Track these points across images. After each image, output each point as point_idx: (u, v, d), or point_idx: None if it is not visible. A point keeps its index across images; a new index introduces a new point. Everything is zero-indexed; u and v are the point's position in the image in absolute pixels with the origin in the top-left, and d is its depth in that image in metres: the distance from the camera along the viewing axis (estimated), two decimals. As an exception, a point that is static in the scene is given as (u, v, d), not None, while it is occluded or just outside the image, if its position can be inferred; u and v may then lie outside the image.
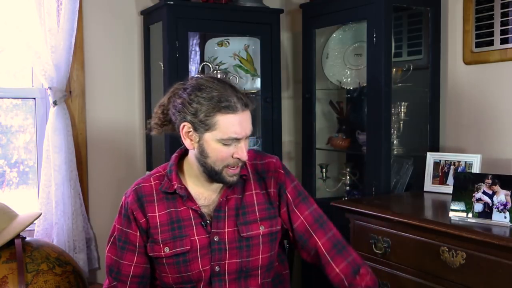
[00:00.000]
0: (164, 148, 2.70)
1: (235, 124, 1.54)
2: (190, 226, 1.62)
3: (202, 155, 1.57)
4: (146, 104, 2.95)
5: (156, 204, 1.63)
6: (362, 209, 2.17)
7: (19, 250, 2.13)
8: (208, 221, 1.62)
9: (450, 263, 1.81)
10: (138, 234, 1.63)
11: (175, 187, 1.62)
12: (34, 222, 2.32)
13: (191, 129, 1.56)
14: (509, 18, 2.28)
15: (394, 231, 2.02)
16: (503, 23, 2.31)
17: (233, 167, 1.58)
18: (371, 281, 1.62)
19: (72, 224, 2.66)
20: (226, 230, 1.62)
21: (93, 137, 2.87)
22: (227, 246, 1.61)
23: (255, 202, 1.66)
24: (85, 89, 2.84)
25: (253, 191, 1.67)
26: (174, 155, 1.69)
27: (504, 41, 2.30)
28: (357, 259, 1.65)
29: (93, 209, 2.87)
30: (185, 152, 1.66)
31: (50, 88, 2.61)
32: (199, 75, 1.72)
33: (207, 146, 1.56)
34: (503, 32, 2.31)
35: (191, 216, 1.62)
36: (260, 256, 1.64)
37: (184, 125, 1.57)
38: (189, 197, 1.62)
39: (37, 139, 2.79)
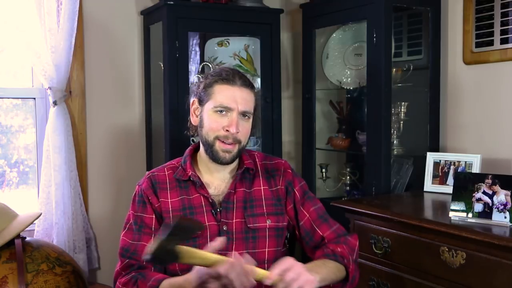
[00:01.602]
0: (164, 148, 2.70)
1: (228, 95, 1.65)
2: (202, 213, 1.68)
3: (200, 126, 1.70)
4: (146, 104, 2.95)
5: (169, 192, 1.70)
6: (362, 209, 2.17)
7: (19, 250, 2.13)
8: (218, 210, 1.69)
9: (450, 263, 1.81)
10: (153, 216, 1.69)
11: (189, 174, 1.70)
12: (34, 222, 2.32)
13: (197, 105, 1.71)
14: (509, 18, 2.28)
15: (394, 231, 2.02)
16: (503, 23, 2.31)
17: (224, 141, 1.65)
18: (345, 252, 1.68)
19: (72, 224, 2.66)
20: (234, 220, 1.68)
21: (93, 137, 2.87)
22: (234, 236, 1.67)
23: (263, 197, 1.73)
24: (85, 89, 2.84)
25: (261, 187, 1.75)
26: (189, 148, 1.79)
27: (504, 41, 2.30)
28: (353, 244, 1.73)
29: (93, 209, 2.87)
30: (198, 147, 1.77)
31: (50, 88, 2.61)
32: None
33: (204, 116, 1.68)
34: (503, 32, 2.31)
35: (203, 203, 1.69)
36: (266, 250, 1.69)
37: (193, 101, 1.73)
38: (201, 185, 1.70)
39: (37, 139, 2.79)
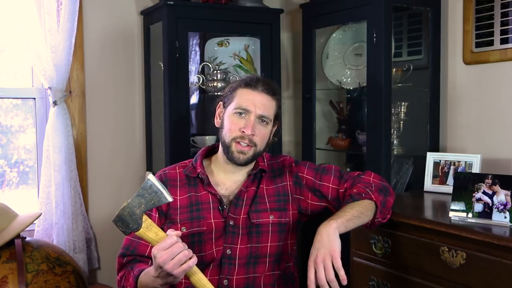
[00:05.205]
0: (164, 148, 2.70)
1: (248, 98, 1.74)
2: (208, 209, 1.75)
3: (221, 127, 1.79)
4: (146, 104, 2.95)
5: (178, 189, 1.77)
6: (362, 209, 2.16)
7: (19, 250, 2.13)
8: (225, 206, 1.77)
9: (450, 263, 1.81)
10: (157, 215, 1.74)
11: (198, 171, 1.77)
12: (34, 222, 2.32)
13: (222, 108, 1.81)
14: (509, 18, 2.28)
15: (394, 231, 2.02)
16: (503, 23, 2.31)
17: (240, 142, 1.73)
18: (360, 189, 1.76)
19: (72, 224, 2.66)
20: (241, 216, 1.76)
21: (93, 137, 2.87)
22: (240, 231, 1.73)
23: (266, 194, 1.81)
24: (85, 89, 2.84)
25: (265, 186, 1.83)
26: (202, 149, 1.88)
27: (504, 41, 2.30)
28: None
29: (93, 209, 2.87)
30: (213, 149, 1.87)
31: (50, 88, 2.61)
32: None
33: (226, 118, 1.77)
34: (503, 32, 2.31)
35: (210, 200, 1.77)
36: (269, 244, 1.76)
37: (219, 104, 1.83)
38: (209, 183, 1.78)
39: (37, 139, 2.79)
